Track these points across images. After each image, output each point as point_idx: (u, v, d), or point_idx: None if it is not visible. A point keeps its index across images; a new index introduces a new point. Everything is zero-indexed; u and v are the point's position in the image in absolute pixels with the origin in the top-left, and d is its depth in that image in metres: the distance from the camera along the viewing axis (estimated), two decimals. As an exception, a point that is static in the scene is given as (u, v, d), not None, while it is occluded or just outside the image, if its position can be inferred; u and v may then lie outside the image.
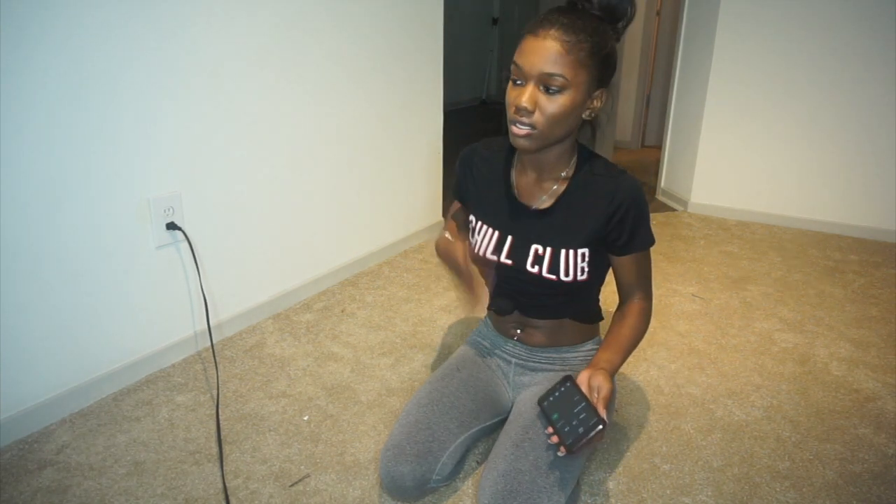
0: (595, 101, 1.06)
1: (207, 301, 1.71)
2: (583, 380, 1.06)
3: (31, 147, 1.29)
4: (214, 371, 1.64)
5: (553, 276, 1.16)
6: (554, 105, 1.01)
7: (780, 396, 1.56)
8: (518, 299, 1.26)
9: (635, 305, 1.20)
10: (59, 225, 1.37)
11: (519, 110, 1.01)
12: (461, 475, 1.26)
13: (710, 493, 1.22)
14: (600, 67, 1.02)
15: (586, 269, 1.16)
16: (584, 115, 1.06)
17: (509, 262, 1.20)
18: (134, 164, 1.49)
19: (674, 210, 3.23)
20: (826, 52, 2.69)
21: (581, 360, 1.30)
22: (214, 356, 1.68)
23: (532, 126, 1.02)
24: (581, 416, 0.99)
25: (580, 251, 1.14)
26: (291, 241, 2.01)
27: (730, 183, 3.06)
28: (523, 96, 1.01)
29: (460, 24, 6.16)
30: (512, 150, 1.22)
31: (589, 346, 1.31)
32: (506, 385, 1.32)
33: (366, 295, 2.13)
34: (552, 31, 0.98)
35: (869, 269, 2.41)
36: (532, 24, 1.01)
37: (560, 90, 1.00)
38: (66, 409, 1.46)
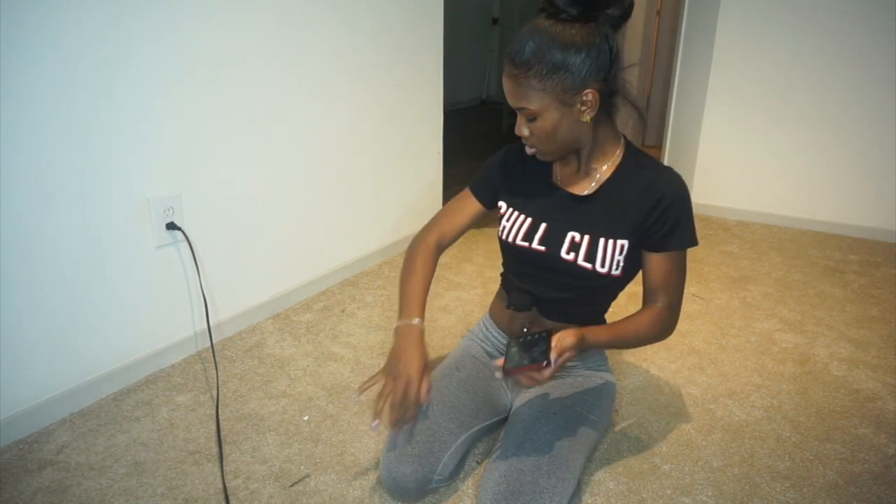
0: (586, 102, 1.02)
1: (207, 301, 1.71)
2: (556, 336, 1.05)
3: (30, 147, 1.29)
4: (214, 371, 1.64)
5: (589, 266, 1.12)
6: (536, 129, 1.05)
7: (780, 396, 1.56)
8: (536, 295, 1.23)
9: (654, 308, 1.15)
10: (58, 225, 1.37)
11: (520, 136, 1.10)
12: (462, 475, 1.26)
13: (710, 494, 1.22)
14: (565, 81, 0.99)
15: (621, 264, 1.13)
16: (583, 119, 1.04)
17: (542, 248, 1.16)
18: (133, 164, 1.49)
19: (674, 210, 3.22)
20: (826, 52, 2.69)
21: (582, 367, 1.29)
22: (214, 356, 1.68)
23: (533, 146, 1.10)
24: (533, 352, 1.02)
25: (619, 242, 1.11)
26: (291, 241, 2.01)
27: (730, 183, 3.06)
28: (517, 127, 1.08)
29: (460, 24, 6.16)
30: None
31: (591, 352, 1.30)
32: (504, 386, 1.32)
33: (366, 295, 2.13)
34: (507, 67, 1.02)
35: (869, 269, 2.41)
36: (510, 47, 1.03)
37: (534, 116, 1.03)
38: (66, 409, 1.46)
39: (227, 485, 1.23)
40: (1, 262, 1.29)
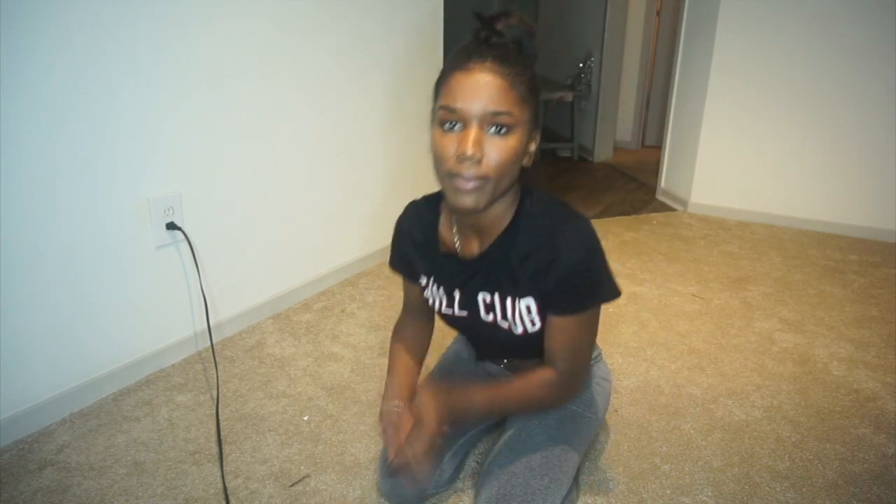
0: (532, 145, 0.93)
1: (207, 301, 1.71)
2: (420, 400, 0.98)
3: (31, 147, 1.29)
4: (214, 371, 1.64)
5: (505, 325, 1.03)
6: (503, 147, 0.85)
7: (780, 396, 1.56)
8: (495, 350, 1.19)
9: (549, 372, 1.02)
10: (58, 225, 1.37)
11: (463, 159, 0.84)
12: (461, 475, 1.26)
13: (710, 493, 1.22)
14: (536, 104, 0.90)
15: (536, 322, 1.01)
16: (524, 162, 0.92)
17: (464, 312, 1.08)
18: (134, 163, 1.49)
19: (674, 210, 3.23)
20: (826, 52, 2.69)
21: None
22: (214, 356, 1.68)
23: (482, 178, 0.86)
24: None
25: (524, 302, 1.00)
26: (291, 241, 2.01)
27: (730, 183, 3.06)
28: (468, 142, 0.84)
29: (460, 25, 6.15)
30: (438, 203, 1.09)
31: None
32: None
33: (366, 295, 2.13)
34: (488, 64, 0.84)
35: (869, 269, 2.41)
36: (454, 59, 0.88)
37: (509, 129, 0.85)
38: (66, 409, 1.46)
39: (227, 485, 1.24)
40: (1, 262, 1.29)
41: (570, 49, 4.69)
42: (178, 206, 1.61)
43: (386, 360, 1.71)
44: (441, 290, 1.10)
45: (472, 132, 0.84)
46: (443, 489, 1.18)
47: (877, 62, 2.61)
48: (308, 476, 1.27)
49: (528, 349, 1.06)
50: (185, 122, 1.58)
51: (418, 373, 1.19)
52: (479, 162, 0.85)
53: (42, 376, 1.41)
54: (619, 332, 1.88)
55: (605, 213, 3.15)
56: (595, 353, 1.29)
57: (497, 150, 0.85)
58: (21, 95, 1.25)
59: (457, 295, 1.08)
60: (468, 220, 1.00)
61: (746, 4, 2.80)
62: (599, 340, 1.37)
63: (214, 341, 1.75)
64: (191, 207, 1.65)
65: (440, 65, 2.51)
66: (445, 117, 0.86)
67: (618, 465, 1.30)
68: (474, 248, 1.03)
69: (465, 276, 1.04)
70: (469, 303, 1.07)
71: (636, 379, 1.63)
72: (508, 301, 1.01)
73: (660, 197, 3.45)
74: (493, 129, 0.85)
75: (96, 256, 1.46)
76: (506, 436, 1.14)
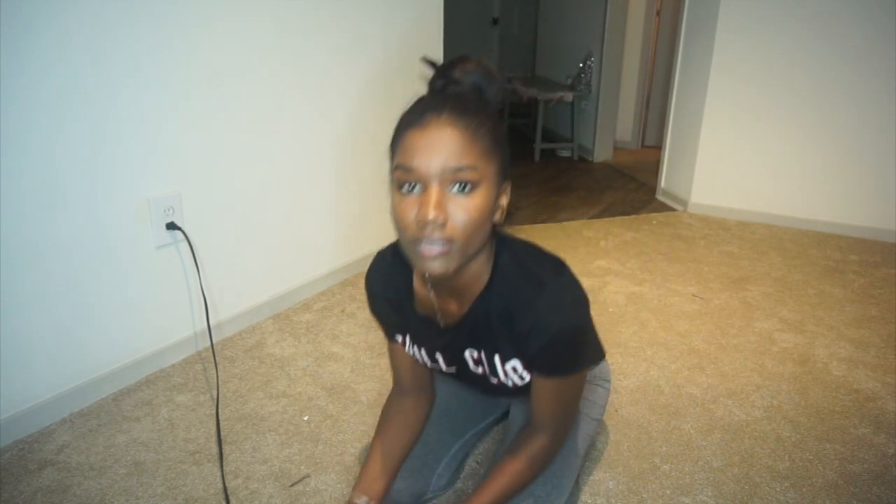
0: (503, 199, 0.85)
1: (207, 301, 1.71)
2: None
3: (31, 147, 1.29)
4: (214, 371, 1.64)
5: (495, 380, 0.99)
6: (470, 207, 0.77)
7: (780, 396, 1.56)
8: (492, 391, 1.10)
9: (535, 443, 0.98)
10: (58, 225, 1.37)
11: (426, 225, 0.75)
12: (462, 475, 1.26)
13: (710, 493, 1.22)
14: (503, 155, 0.82)
15: (525, 377, 0.96)
16: (495, 218, 0.83)
17: (452, 369, 1.04)
18: (134, 163, 1.49)
19: (674, 210, 3.23)
20: (826, 52, 2.69)
21: None
22: (214, 356, 1.68)
23: (449, 240, 0.77)
24: None
25: (510, 363, 0.96)
26: (291, 241, 2.01)
27: (730, 183, 3.06)
28: (429, 204, 0.75)
29: (460, 24, 6.15)
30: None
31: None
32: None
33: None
34: (445, 117, 0.76)
35: (869, 269, 2.41)
36: (408, 114, 0.81)
37: (474, 186, 0.77)
38: (66, 409, 1.46)
39: (227, 485, 1.24)
40: (1, 261, 1.29)
41: (570, 49, 4.69)
42: (178, 206, 1.61)
43: (386, 360, 1.71)
44: (423, 351, 1.03)
45: (433, 193, 0.75)
46: (441, 493, 1.18)
47: (877, 62, 2.61)
48: (308, 476, 1.27)
49: (527, 392, 1.01)
50: (185, 122, 1.58)
51: (401, 459, 1.09)
52: (444, 225, 0.76)
53: (42, 376, 1.41)
54: (619, 332, 1.88)
55: (605, 213, 3.15)
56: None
57: (462, 210, 0.76)
58: (21, 95, 1.25)
59: (439, 357, 1.03)
60: (442, 282, 0.93)
61: (746, 4, 2.79)
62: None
63: (214, 341, 1.75)
64: (191, 207, 1.65)
65: (440, 62, 2.52)
66: (403, 178, 0.78)
67: (618, 465, 1.30)
68: (453, 308, 0.94)
69: (446, 339, 0.98)
70: (456, 360, 1.02)
71: (636, 379, 1.63)
72: (496, 358, 0.96)
73: (660, 197, 3.45)
74: (457, 187, 0.76)
75: (96, 256, 1.46)
76: (506, 442, 1.14)
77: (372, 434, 1.38)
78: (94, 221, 1.44)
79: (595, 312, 2.03)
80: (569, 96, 4.26)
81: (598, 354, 0.95)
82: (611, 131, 4.47)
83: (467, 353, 0.99)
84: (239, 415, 1.47)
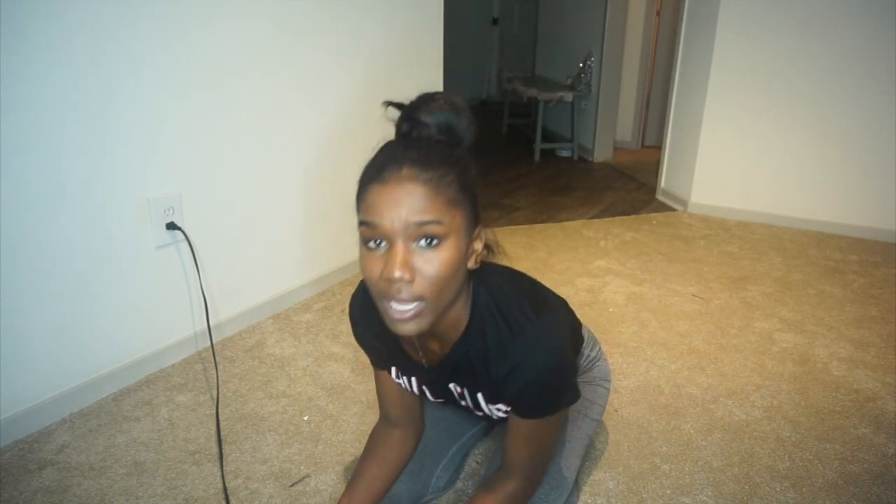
0: (476, 244, 0.82)
1: (207, 301, 1.71)
2: None
3: (32, 147, 1.29)
4: (214, 371, 1.64)
5: (480, 413, 1.01)
6: (437, 261, 0.74)
7: (780, 396, 1.56)
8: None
9: (507, 487, 0.96)
10: (58, 225, 1.37)
11: (392, 282, 0.73)
12: (462, 475, 1.26)
13: (710, 493, 1.22)
14: (472, 201, 0.79)
15: (508, 412, 0.96)
16: (469, 264, 0.81)
17: (441, 399, 1.04)
18: (134, 163, 1.49)
19: (674, 210, 3.23)
20: (826, 52, 2.69)
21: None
22: (214, 356, 1.68)
23: (418, 298, 0.75)
24: None
25: (493, 405, 0.97)
26: (291, 240, 2.01)
27: (730, 183, 3.06)
28: (394, 263, 0.73)
29: (460, 24, 6.16)
30: None
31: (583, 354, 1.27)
32: None
33: (366, 295, 2.13)
34: (406, 171, 0.74)
35: (869, 269, 2.41)
36: (369, 168, 0.79)
37: (441, 240, 0.74)
38: (66, 409, 1.46)
39: (227, 485, 1.24)
40: (1, 261, 1.29)
41: (570, 49, 4.69)
42: (178, 206, 1.61)
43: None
44: (411, 380, 1.02)
45: (398, 250, 0.73)
46: (440, 494, 1.18)
47: (877, 62, 2.61)
48: (308, 476, 1.27)
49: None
50: (185, 122, 1.58)
51: (383, 496, 1.07)
52: (411, 282, 0.73)
53: (42, 376, 1.41)
54: (619, 332, 1.88)
55: (605, 213, 3.15)
56: (595, 353, 1.29)
57: (430, 265, 0.74)
58: (21, 95, 1.25)
59: (426, 389, 1.03)
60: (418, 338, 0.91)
61: (746, 5, 2.79)
62: (600, 340, 1.37)
63: (214, 341, 1.75)
64: (191, 207, 1.65)
65: (440, 65, 2.52)
66: (367, 235, 0.75)
67: (618, 465, 1.30)
68: (435, 347, 0.93)
69: (430, 375, 0.98)
70: (442, 392, 1.01)
71: (636, 379, 1.63)
72: (479, 397, 0.97)
73: (660, 197, 3.45)
74: (423, 241, 0.74)
75: (96, 256, 1.46)
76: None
77: (372, 434, 1.39)
78: (94, 221, 1.44)
79: (595, 312, 2.05)
80: (569, 96, 4.26)
81: (573, 397, 0.92)
82: (611, 131, 4.47)
83: (451, 387, 0.98)
84: (239, 415, 1.47)
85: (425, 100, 0.81)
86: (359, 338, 1.05)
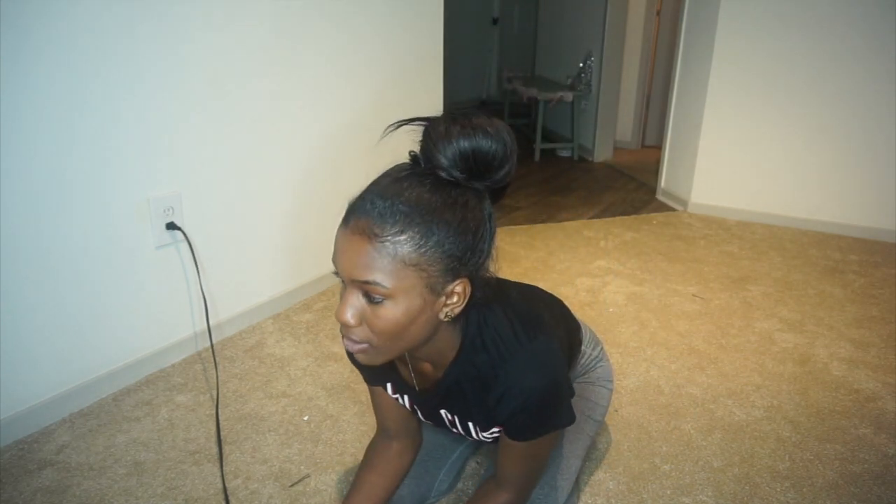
0: (454, 297, 0.76)
1: (207, 301, 1.71)
2: None
3: (31, 147, 1.29)
4: (214, 371, 1.64)
5: (471, 439, 1.02)
6: (381, 319, 0.73)
7: (780, 396, 1.56)
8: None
9: (499, 499, 0.97)
10: (58, 225, 1.37)
11: (342, 324, 0.75)
12: (463, 475, 1.26)
13: (710, 494, 1.22)
14: (444, 260, 0.72)
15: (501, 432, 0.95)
16: (441, 316, 0.77)
17: (430, 422, 1.04)
18: (134, 163, 1.49)
19: (674, 210, 3.23)
20: (826, 53, 2.69)
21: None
22: (214, 356, 1.68)
23: (366, 342, 0.75)
24: None
25: (486, 432, 0.97)
26: (291, 240, 2.01)
27: (730, 183, 3.06)
28: (341, 307, 0.74)
29: (460, 24, 6.16)
30: None
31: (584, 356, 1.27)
32: None
33: (366, 295, 2.13)
34: (363, 222, 0.71)
35: (869, 269, 2.41)
36: (353, 201, 0.76)
37: (383, 299, 0.72)
38: (66, 409, 1.46)
39: (227, 485, 1.23)
40: (1, 261, 1.29)
41: (570, 49, 4.69)
42: (178, 206, 1.60)
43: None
44: (404, 398, 1.02)
45: (347, 296, 0.73)
46: (443, 496, 1.18)
47: (877, 62, 2.61)
48: (308, 476, 1.27)
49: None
50: (185, 122, 1.58)
51: (384, 501, 1.06)
52: (357, 327, 0.74)
53: (42, 376, 1.41)
54: (619, 332, 1.88)
55: (605, 213, 3.15)
56: (598, 353, 1.29)
57: (375, 319, 0.73)
58: (22, 97, 1.25)
59: (417, 410, 1.03)
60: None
61: (747, 5, 2.79)
62: (600, 340, 1.37)
63: (214, 341, 1.75)
64: (191, 207, 1.65)
65: (440, 65, 2.52)
66: (335, 268, 0.75)
67: (618, 466, 1.30)
68: (428, 369, 0.92)
69: (422, 397, 0.97)
70: (432, 416, 1.02)
71: (636, 379, 1.63)
72: (469, 425, 0.97)
73: (660, 197, 3.45)
74: (368, 297, 0.73)
75: (96, 256, 1.46)
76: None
77: (372, 434, 1.39)
78: (95, 221, 1.44)
79: (595, 312, 2.04)
80: (569, 96, 4.26)
81: (567, 419, 0.90)
82: (611, 131, 4.47)
83: (443, 413, 0.98)
84: (239, 415, 1.47)
85: (446, 124, 0.74)
86: (351, 356, 1.03)
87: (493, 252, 0.79)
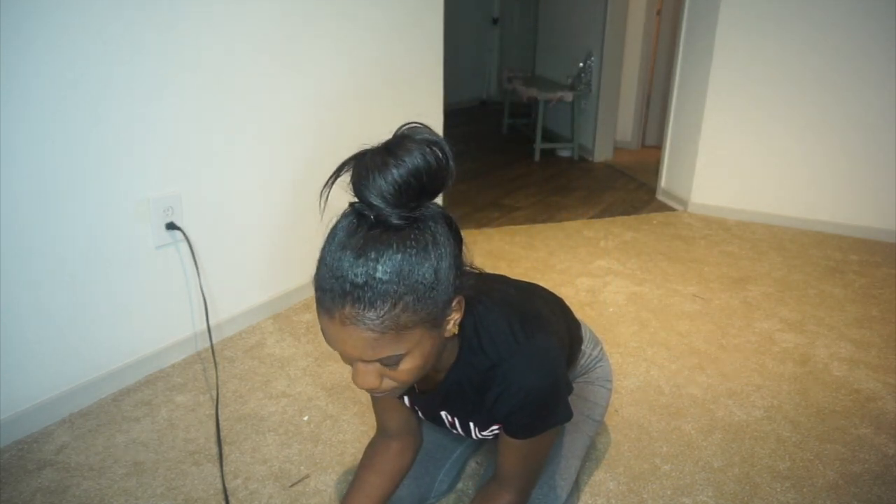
0: (454, 314, 0.77)
1: (207, 301, 1.71)
2: None
3: (30, 147, 1.29)
4: (214, 371, 1.64)
5: (471, 438, 1.03)
6: (403, 372, 0.74)
7: (780, 396, 1.56)
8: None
9: (501, 499, 0.98)
10: (58, 225, 1.37)
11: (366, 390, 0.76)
12: (463, 475, 1.26)
13: (710, 494, 1.22)
14: (439, 299, 0.72)
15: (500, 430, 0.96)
16: (451, 331, 0.79)
17: (432, 422, 1.06)
18: (133, 163, 1.49)
19: (674, 210, 3.23)
20: (826, 53, 2.69)
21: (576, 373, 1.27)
22: (214, 356, 1.68)
23: (394, 389, 0.77)
24: None
25: (486, 430, 0.98)
26: (291, 240, 2.01)
27: (730, 183, 3.06)
28: (364, 379, 0.74)
29: (460, 24, 6.16)
30: None
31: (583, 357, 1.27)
32: None
33: (366, 295, 2.13)
34: (348, 310, 0.67)
35: (869, 269, 2.41)
36: (318, 275, 0.74)
37: (400, 358, 0.72)
38: (66, 409, 1.46)
39: (227, 485, 1.23)
40: (1, 262, 1.29)
41: (570, 49, 4.69)
42: (177, 206, 1.60)
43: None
44: (404, 398, 1.03)
45: (359, 370, 0.73)
46: (443, 497, 1.18)
47: (877, 62, 2.61)
48: (308, 476, 1.27)
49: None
50: (185, 121, 1.58)
51: (383, 501, 1.06)
52: (380, 387, 0.75)
53: (42, 376, 1.41)
54: (619, 332, 1.88)
55: (605, 213, 3.15)
56: (598, 352, 1.29)
57: (396, 374, 0.74)
58: (20, 95, 1.25)
59: (417, 409, 1.04)
60: None
61: (747, 4, 2.79)
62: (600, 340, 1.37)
63: (214, 341, 1.75)
64: (191, 207, 1.65)
65: (440, 65, 2.52)
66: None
67: (618, 466, 1.30)
68: (429, 373, 0.91)
69: (422, 399, 0.98)
70: (432, 417, 1.03)
71: (636, 379, 1.63)
72: (470, 425, 0.98)
73: (660, 197, 3.45)
74: (382, 364, 0.73)
75: (96, 256, 1.46)
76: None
77: (372, 434, 1.39)
78: (94, 221, 1.44)
79: (595, 312, 2.04)
80: (569, 96, 4.26)
81: (565, 416, 0.91)
82: (611, 131, 4.47)
83: (443, 414, 0.99)
84: (239, 415, 1.47)
85: (365, 168, 0.72)
86: None
87: (463, 246, 0.78)
